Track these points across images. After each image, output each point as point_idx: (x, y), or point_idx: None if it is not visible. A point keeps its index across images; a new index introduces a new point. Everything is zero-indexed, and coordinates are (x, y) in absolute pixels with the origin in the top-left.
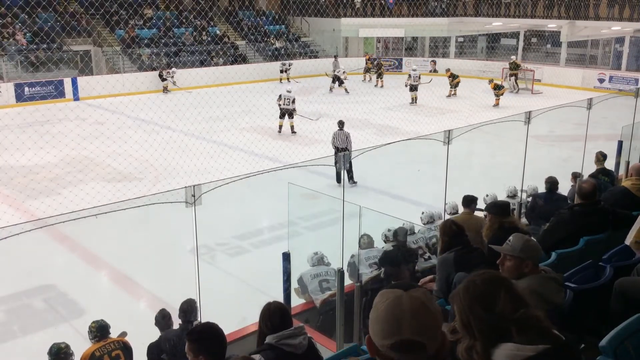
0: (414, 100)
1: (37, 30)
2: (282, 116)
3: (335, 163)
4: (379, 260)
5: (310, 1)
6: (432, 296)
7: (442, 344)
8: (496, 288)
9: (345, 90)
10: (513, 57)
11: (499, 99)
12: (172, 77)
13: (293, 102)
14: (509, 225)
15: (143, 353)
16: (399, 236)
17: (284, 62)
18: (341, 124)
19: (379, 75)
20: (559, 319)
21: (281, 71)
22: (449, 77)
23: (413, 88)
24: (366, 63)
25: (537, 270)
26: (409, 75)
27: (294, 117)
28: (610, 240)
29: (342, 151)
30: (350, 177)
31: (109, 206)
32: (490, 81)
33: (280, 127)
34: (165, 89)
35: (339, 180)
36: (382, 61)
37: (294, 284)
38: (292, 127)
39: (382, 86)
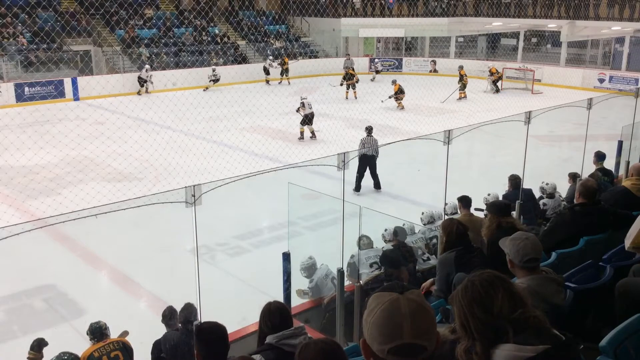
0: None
1: (37, 30)
2: (308, 122)
3: (361, 172)
4: (380, 260)
5: (310, 1)
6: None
7: (437, 343)
8: (495, 288)
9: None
10: (490, 65)
11: (463, 92)
12: (150, 78)
13: (310, 107)
14: (507, 224)
15: (143, 353)
16: (398, 236)
17: (272, 61)
18: (369, 129)
19: (350, 86)
20: (559, 319)
21: (266, 71)
22: (397, 90)
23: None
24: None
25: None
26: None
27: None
28: (610, 240)
29: (371, 159)
30: (377, 183)
31: (109, 206)
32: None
33: (302, 133)
34: (146, 91)
35: (357, 189)
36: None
37: (302, 283)
38: (312, 132)
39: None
